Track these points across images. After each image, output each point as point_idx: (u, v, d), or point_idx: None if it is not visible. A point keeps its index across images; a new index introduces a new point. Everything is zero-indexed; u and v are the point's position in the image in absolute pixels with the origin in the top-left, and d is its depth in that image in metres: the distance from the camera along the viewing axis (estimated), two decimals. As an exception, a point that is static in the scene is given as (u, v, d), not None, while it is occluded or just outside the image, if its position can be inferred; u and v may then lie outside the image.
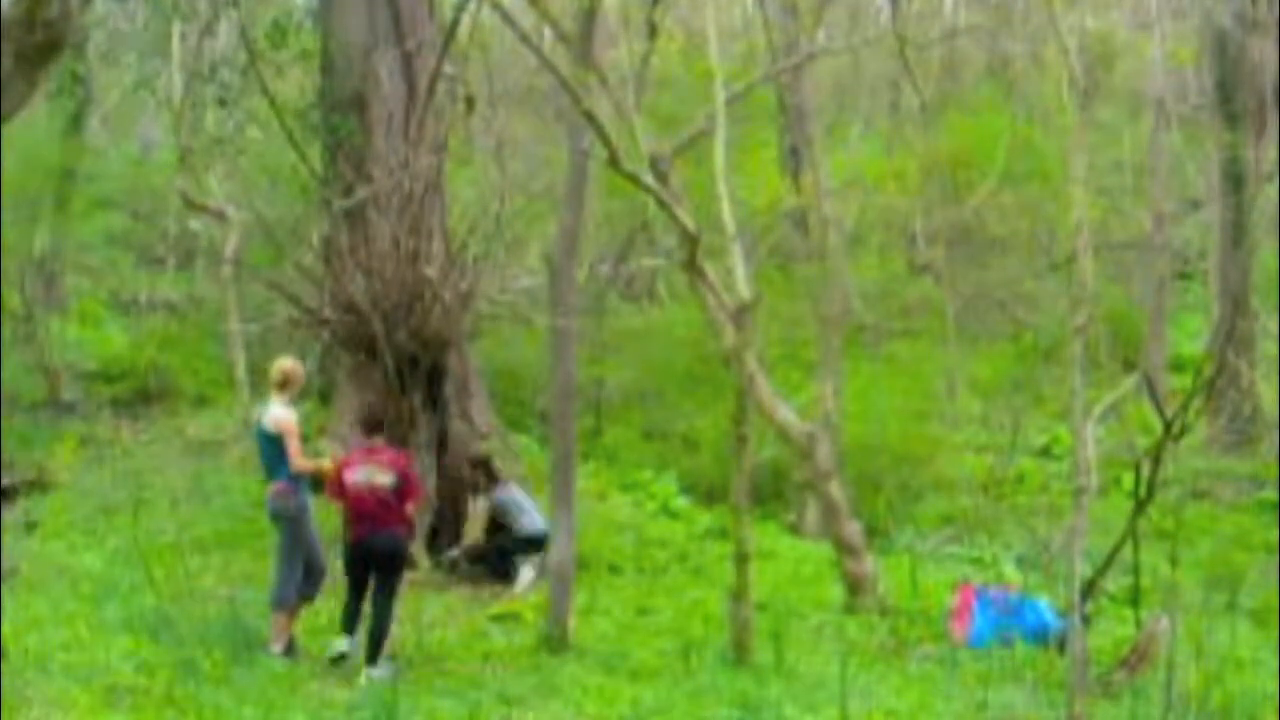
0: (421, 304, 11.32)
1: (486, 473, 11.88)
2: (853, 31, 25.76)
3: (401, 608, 9.64)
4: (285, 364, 9.17)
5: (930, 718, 8.12)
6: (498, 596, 10.84)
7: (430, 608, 10.41)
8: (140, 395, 18.04)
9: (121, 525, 11.77)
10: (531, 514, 11.56)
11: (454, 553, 11.78)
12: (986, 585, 11.06)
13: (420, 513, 10.59)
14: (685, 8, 21.78)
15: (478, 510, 11.92)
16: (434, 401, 11.86)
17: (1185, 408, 9.12)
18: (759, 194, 16.85)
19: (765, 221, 17.48)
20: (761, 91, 18.30)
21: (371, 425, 9.17)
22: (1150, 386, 11.49)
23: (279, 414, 8.95)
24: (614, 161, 8.94)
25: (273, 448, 8.93)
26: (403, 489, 8.91)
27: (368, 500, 8.83)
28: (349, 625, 8.93)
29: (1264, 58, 19.14)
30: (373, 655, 8.66)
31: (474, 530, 11.92)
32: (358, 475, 8.88)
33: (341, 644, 8.85)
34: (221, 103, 14.56)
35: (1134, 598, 10.07)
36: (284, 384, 9.03)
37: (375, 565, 8.90)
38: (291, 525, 8.92)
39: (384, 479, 8.84)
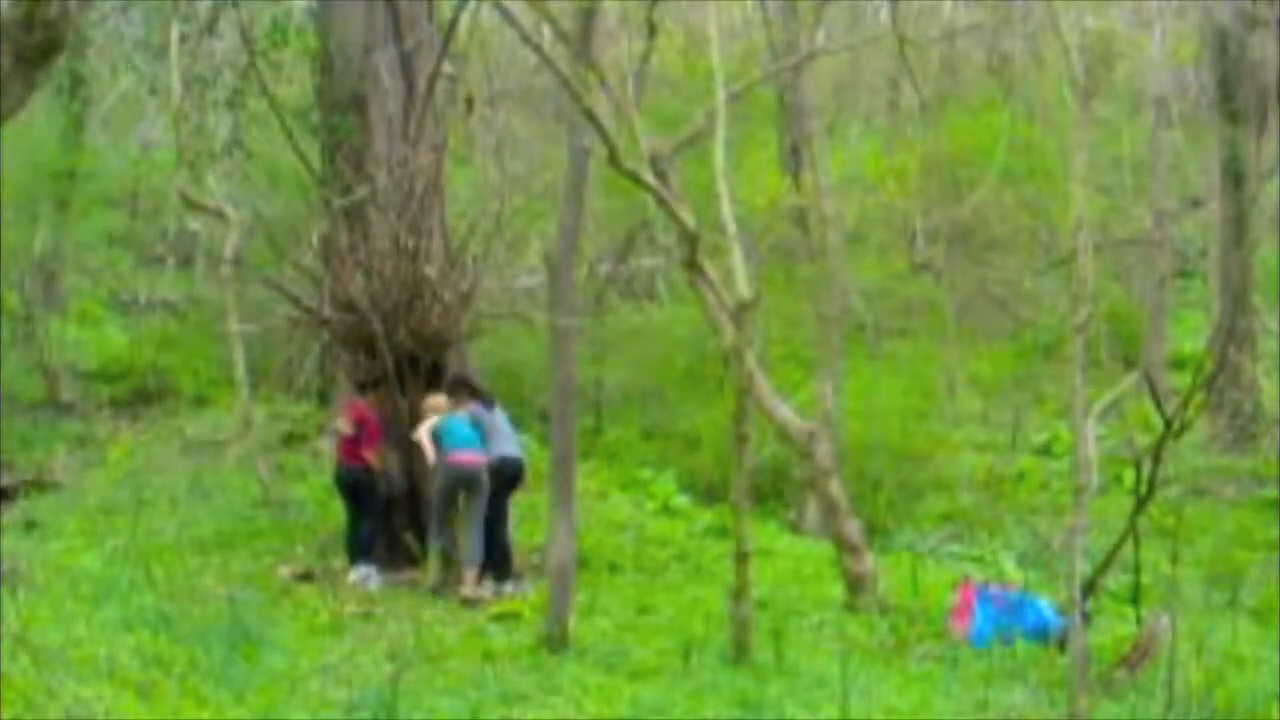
0: (421, 303, 11.29)
1: (471, 391, 11.44)
2: (852, 30, 25.74)
3: (401, 608, 10.04)
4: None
5: (931, 716, 8.12)
6: (498, 595, 10.83)
7: (430, 607, 10.39)
8: (139, 395, 18.09)
9: (121, 525, 11.78)
10: (506, 439, 11.31)
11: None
12: (987, 583, 11.06)
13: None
14: (685, 7, 21.76)
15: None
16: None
17: (1186, 405, 9.10)
18: (759, 193, 16.84)
19: (765, 220, 17.47)
20: (761, 90, 18.30)
21: (359, 386, 11.36)
22: (1151, 384, 11.48)
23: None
24: (614, 160, 8.93)
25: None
26: (360, 436, 11.00)
27: (340, 443, 11.25)
28: (351, 553, 11.05)
29: (1265, 55, 19.12)
30: (352, 556, 11.01)
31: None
32: (336, 424, 11.46)
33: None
34: (230, 105, 14.54)
35: (1135, 596, 10.07)
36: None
37: (344, 491, 11.23)
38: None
39: (346, 428, 11.12)
